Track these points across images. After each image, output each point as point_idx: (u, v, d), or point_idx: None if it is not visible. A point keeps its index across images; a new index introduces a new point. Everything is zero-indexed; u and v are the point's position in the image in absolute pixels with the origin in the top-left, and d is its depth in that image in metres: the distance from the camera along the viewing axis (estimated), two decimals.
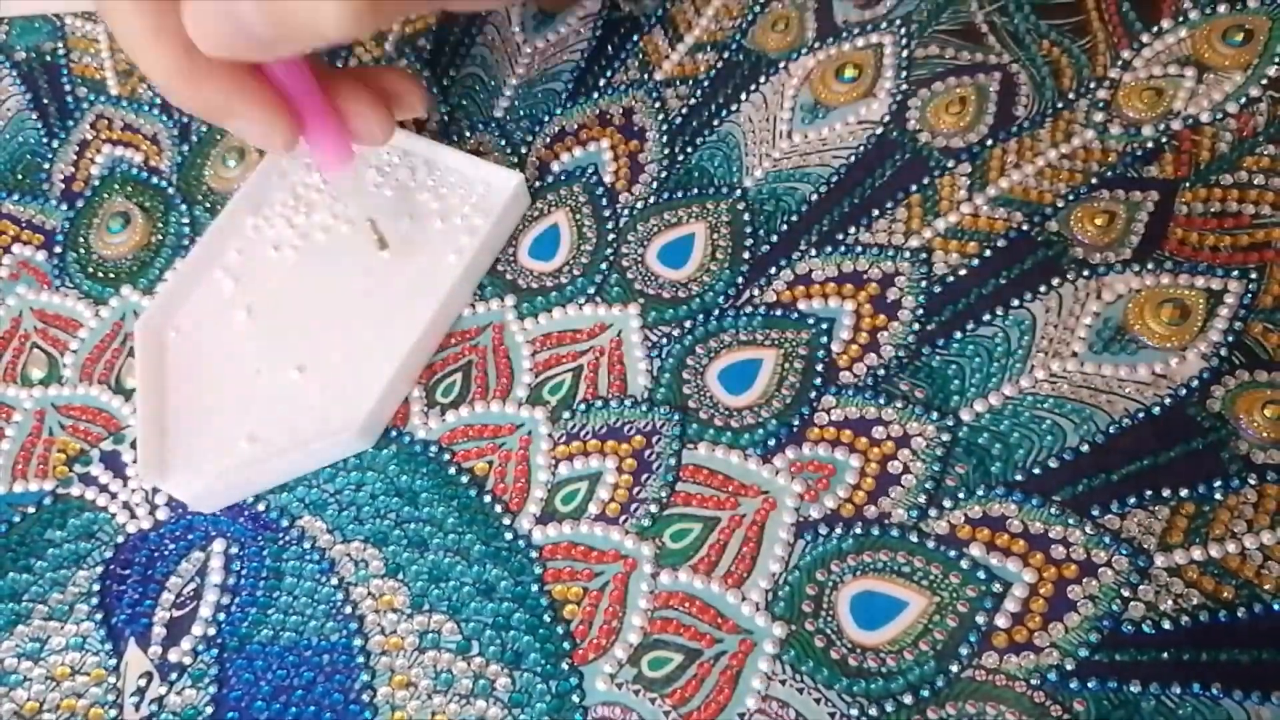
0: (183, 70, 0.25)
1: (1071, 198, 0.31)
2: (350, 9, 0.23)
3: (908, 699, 0.26)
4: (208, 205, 0.37)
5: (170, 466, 0.31)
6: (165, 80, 0.26)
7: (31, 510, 0.32)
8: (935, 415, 0.29)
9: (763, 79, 0.36)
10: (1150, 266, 0.30)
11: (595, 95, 0.36)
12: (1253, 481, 0.27)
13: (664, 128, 0.35)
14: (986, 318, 0.30)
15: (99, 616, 0.30)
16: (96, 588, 0.31)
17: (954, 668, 0.26)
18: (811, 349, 0.31)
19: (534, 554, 0.29)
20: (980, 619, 0.27)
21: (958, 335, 0.30)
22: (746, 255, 0.32)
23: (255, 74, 0.27)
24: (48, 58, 0.40)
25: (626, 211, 0.34)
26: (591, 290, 0.33)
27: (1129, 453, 0.28)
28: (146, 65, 0.26)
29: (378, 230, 0.31)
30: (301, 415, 0.31)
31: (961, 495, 0.28)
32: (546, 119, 0.36)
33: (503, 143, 0.36)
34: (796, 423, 0.30)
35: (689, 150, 0.35)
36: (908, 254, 0.32)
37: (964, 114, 0.33)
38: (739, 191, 0.34)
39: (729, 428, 0.30)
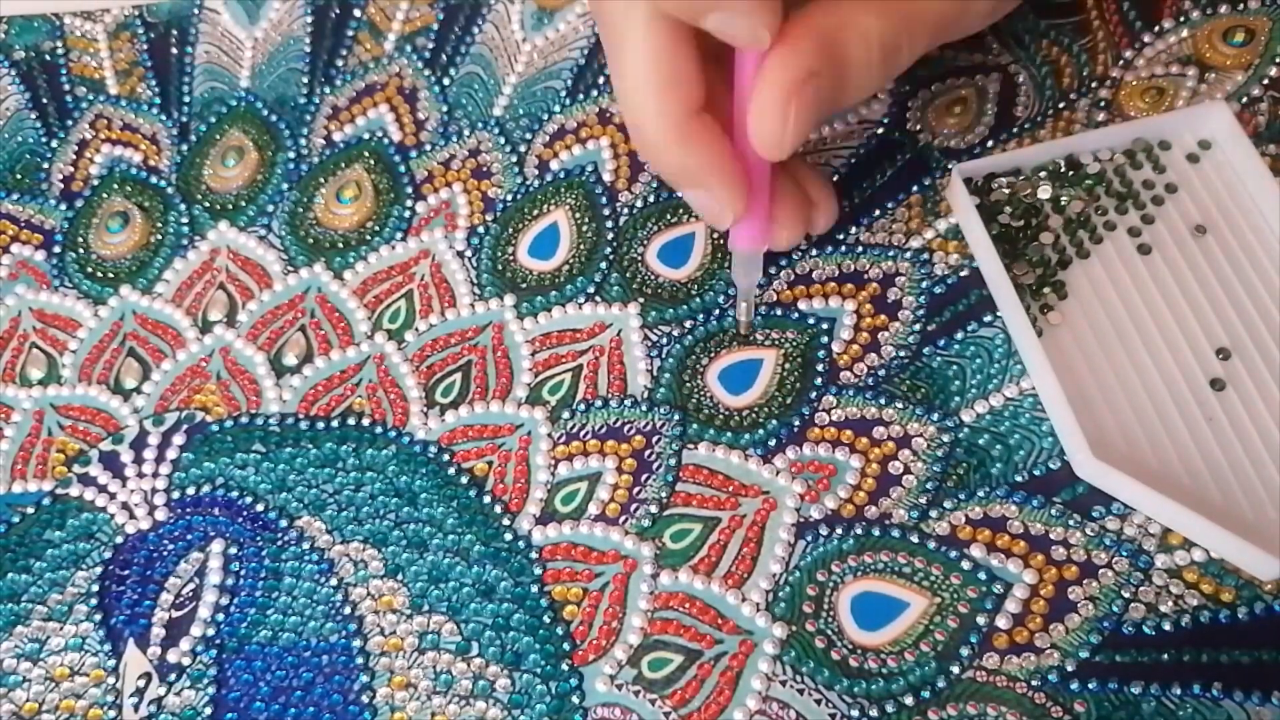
0: (680, 129, 0.24)
1: None
2: None
3: (908, 700, 0.26)
4: (207, 205, 0.37)
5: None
6: (659, 135, 0.25)
7: (30, 511, 0.32)
8: (936, 416, 0.29)
9: None
10: None
11: (595, 93, 0.36)
12: None
13: None
14: (987, 318, 0.30)
15: (98, 617, 0.30)
16: (95, 588, 0.30)
17: (955, 669, 0.26)
18: (812, 349, 0.31)
19: (534, 555, 0.29)
20: (981, 620, 0.27)
21: (958, 336, 0.30)
22: None
23: (730, 146, 0.25)
24: (46, 57, 0.40)
25: (626, 210, 0.34)
26: (591, 289, 0.33)
27: None
28: (645, 115, 0.24)
29: (748, 314, 0.30)
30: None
31: (962, 496, 0.28)
32: (546, 117, 0.36)
33: (502, 141, 0.36)
34: (797, 423, 0.30)
35: None
36: (908, 254, 0.32)
37: (964, 114, 0.33)
38: None
39: (729, 428, 0.30)
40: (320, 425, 0.32)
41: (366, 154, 0.37)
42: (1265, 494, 0.26)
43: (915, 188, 0.33)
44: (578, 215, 0.34)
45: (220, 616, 0.30)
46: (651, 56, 0.24)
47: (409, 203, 0.35)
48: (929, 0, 0.25)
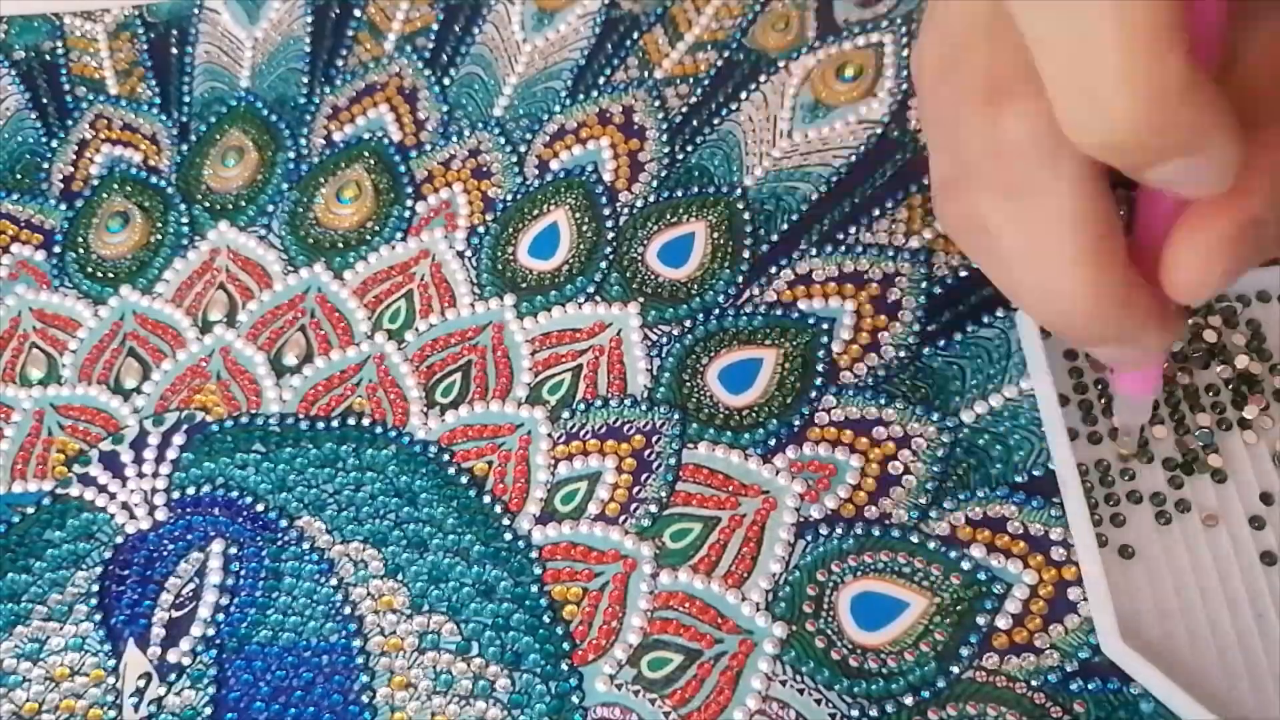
0: (1119, 295, 0.20)
1: None
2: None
3: (908, 700, 0.26)
4: (207, 205, 0.37)
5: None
6: (1095, 309, 0.20)
7: (30, 511, 0.32)
8: (936, 416, 0.29)
9: (763, 78, 0.36)
10: None
11: (595, 93, 0.36)
12: None
13: (664, 126, 0.35)
14: (987, 319, 0.30)
15: (98, 617, 0.30)
16: (95, 588, 0.30)
17: (954, 669, 0.26)
18: (812, 349, 0.31)
19: (534, 554, 0.29)
20: (981, 620, 0.27)
21: (958, 336, 0.30)
22: (747, 255, 0.32)
23: (1156, 288, 0.20)
24: (46, 57, 0.40)
25: (626, 210, 0.34)
26: (591, 289, 0.33)
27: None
28: (1078, 293, 0.20)
29: (1131, 447, 0.27)
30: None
31: (962, 496, 0.28)
32: (546, 117, 0.36)
33: (502, 141, 0.36)
34: (797, 423, 0.30)
35: (689, 149, 0.35)
36: (909, 254, 0.32)
37: None
38: (739, 191, 0.34)
39: (729, 427, 0.30)
40: (320, 425, 0.32)
41: (366, 154, 0.37)
42: None
43: (915, 188, 0.33)
44: (578, 215, 0.34)
45: (220, 616, 0.30)
46: (1091, 213, 0.19)
47: (409, 203, 0.35)
48: None
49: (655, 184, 0.34)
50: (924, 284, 0.31)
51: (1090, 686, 0.26)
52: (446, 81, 0.38)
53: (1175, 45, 0.15)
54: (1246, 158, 0.18)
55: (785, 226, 0.33)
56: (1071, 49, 0.16)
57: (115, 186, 0.37)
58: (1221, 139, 0.17)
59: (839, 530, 0.28)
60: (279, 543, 0.30)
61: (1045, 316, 0.22)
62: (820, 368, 0.30)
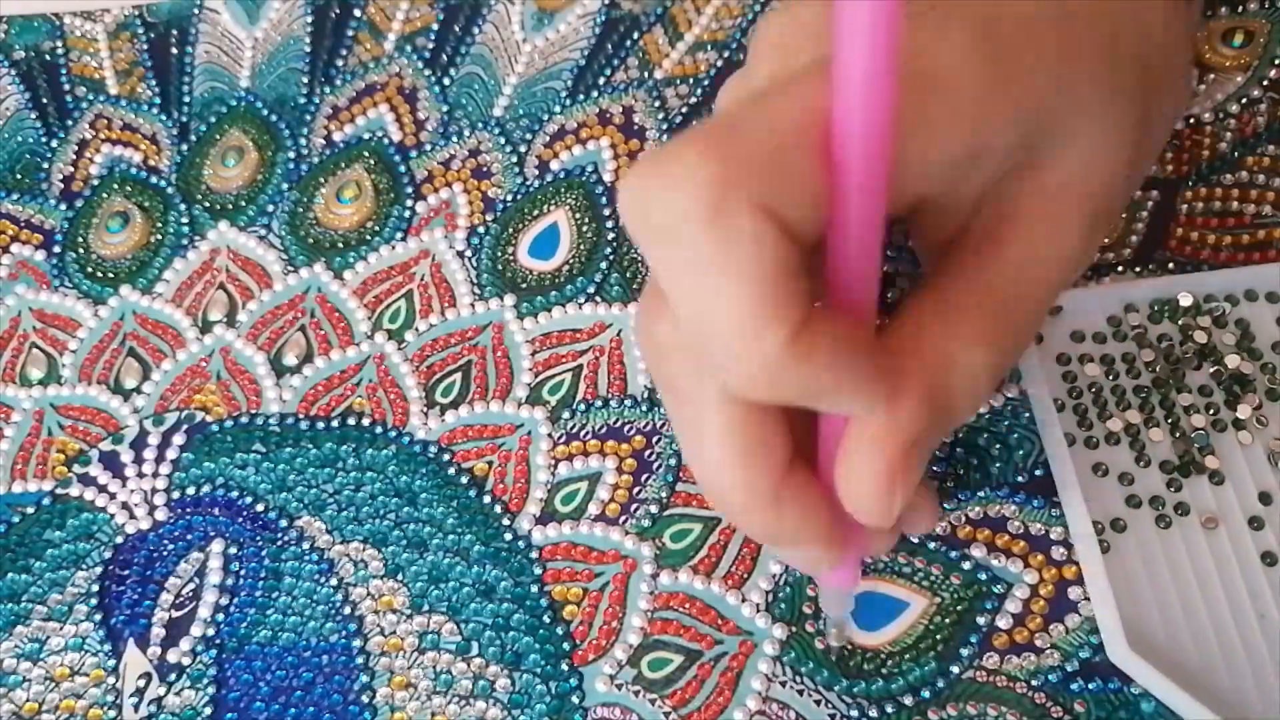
0: (768, 498, 0.20)
1: None
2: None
3: (908, 700, 0.26)
4: (207, 205, 0.37)
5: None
6: (745, 506, 0.21)
7: (30, 511, 0.32)
8: None
9: None
10: (1151, 266, 0.30)
11: (595, 94, 0.36)
12: None
13: (664, 126, 0.35)
14: None
15: (98, 617, 0.30)
16: (95, 588, 0.30)
17: (954, 669, 0.26)
18: None
19: (534, 554, 0.29)
20: (981, 620, 0.27)
21: None
22: None
23: (826, 499, 0.21)
24: (46, 57, 0.40)
25: None
26: (591, 290, 0.33)
27: None
28: (727, 489, 0.21)
29: (840, 639, 0.27)
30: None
31: (962, 496, 0.28)
32: (546, 118, 0.36)
33: (502, 141, 0.36)
34: None
35: None
36: (909, 254, 0.32)
37: None
38: None
39: None
40: (320, 425, 0.32)
41: (366, 154, 0.37)
42: None
43: None
44: (578, 215, 0.34)
45: (220, 616, 0.30)
46: (732, 427, 0.20)
47: (409, 203, 0.35)
48: (1033, 297, 0.21)
49: None
50: None
51: (1091, 686, 0.26)
52: (446, 81, 0.38)
53: (774, 323, 0.16)
54: (895, 384, 0.19)
55: None
56: (690, 314, 0.17)
57: (115, 186, 0.37)
58: (852, 390, 0.18)
59: None
60: (279, 543, 0.30)
61: (709, 499, 0.23)
62: None
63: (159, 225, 0.36)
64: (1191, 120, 0.32)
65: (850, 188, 0.16)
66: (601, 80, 0.37)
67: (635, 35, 0.37)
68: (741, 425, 0.20)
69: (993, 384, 0.21)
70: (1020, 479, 0.28)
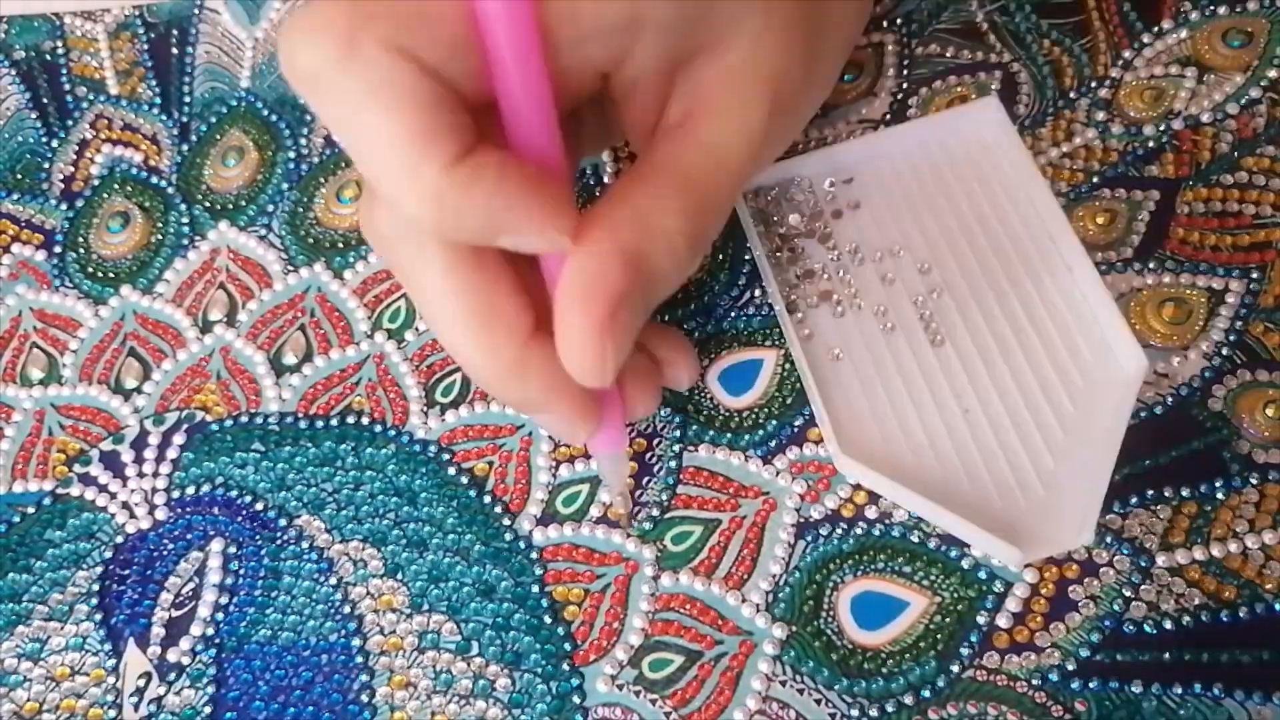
0: (513, 366, 0.22)
1: (1073, 196, 0.31)
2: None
3: (908, 699, 0.26)
4: (207, 205, 0.37)
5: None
6: (491, 374, 0.22)
7: (31, 510, 0.32)
8: None
9: None
10: (1151, 266, 0.30)
11: None
12: (1254, 481, 0.27)
13: None
14: None
15: (98, 617, 0.30)
16: (96, 588, 0.30)
17: (955, 668, 0.26)
18: None
19: (534, 555, 0.29)
20: (981, 619, 0.27)
21: None
22: (747, 255, 0.32)
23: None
24: (47, 57, 0.40)
25: None
26: None
27: (1131, 452, 0.28)
28: (470, 358, 0.22)
29: (626, 505, 0.28)
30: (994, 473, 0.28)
31: None
32: None
33: None
34: (797, 423, 0.30)
35: None
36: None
37: None
38: None
39: (729, 429, 0.30)
40: (320, 424, 0.32)
41: None
42: (1016, 485, 0.27)
43: None
44: None
45: (220, 616, 0.30)
46: (461, 296, 0.21)
47: None
48: (724, 173, 0.22)
49: None
50: None
51: (1091, 685, 0.26)
52: None
53: (429, 151, 0.18)
54: (592, 219, 0.21)
55: None
56: (355, 155, 0.19)
57: (116, 186, 0.37)
58: (525, 218, 0.19)
59: (839, 530, 0.28)
60: (278, 542, 0.30)
61: (467, 372, 0.24)
62: None
63: (159, 225, 0.36)
64: (1191, 121, 0.32)
65: (500, 36, 0.18)
66: None
67: None
68: (470, 294, 0.21)
69: (691, 252, 0.22)
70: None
